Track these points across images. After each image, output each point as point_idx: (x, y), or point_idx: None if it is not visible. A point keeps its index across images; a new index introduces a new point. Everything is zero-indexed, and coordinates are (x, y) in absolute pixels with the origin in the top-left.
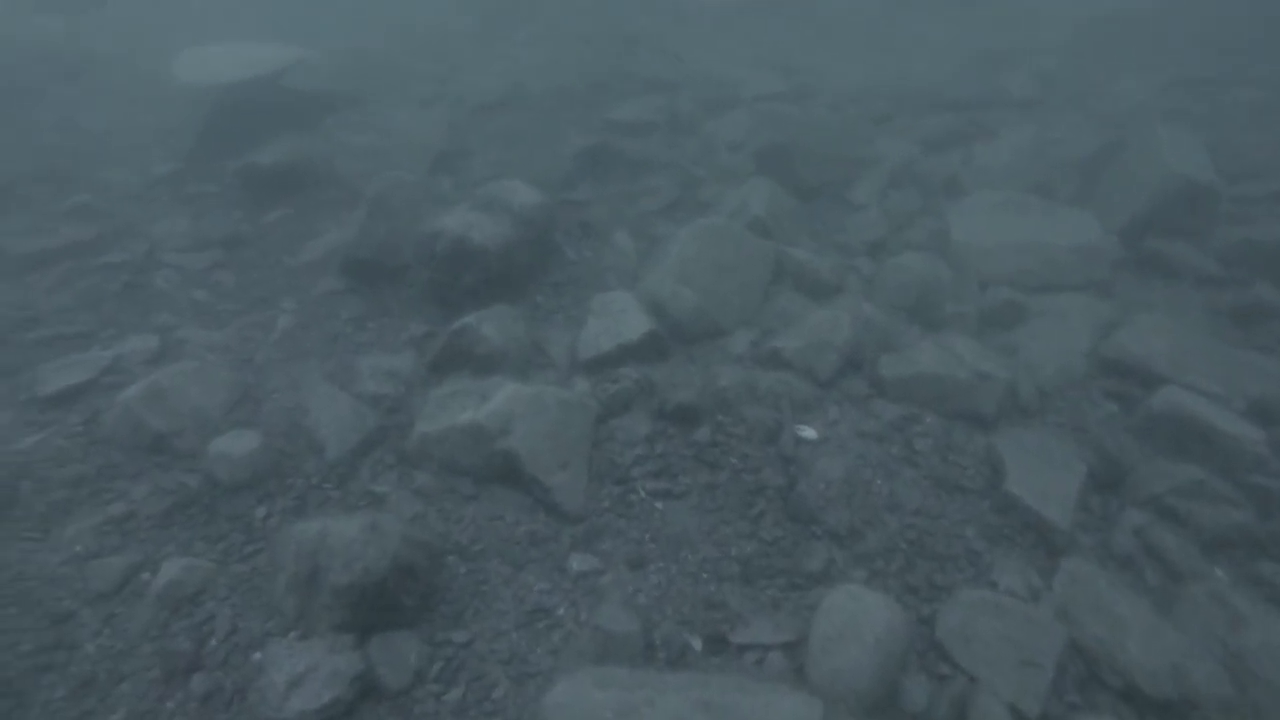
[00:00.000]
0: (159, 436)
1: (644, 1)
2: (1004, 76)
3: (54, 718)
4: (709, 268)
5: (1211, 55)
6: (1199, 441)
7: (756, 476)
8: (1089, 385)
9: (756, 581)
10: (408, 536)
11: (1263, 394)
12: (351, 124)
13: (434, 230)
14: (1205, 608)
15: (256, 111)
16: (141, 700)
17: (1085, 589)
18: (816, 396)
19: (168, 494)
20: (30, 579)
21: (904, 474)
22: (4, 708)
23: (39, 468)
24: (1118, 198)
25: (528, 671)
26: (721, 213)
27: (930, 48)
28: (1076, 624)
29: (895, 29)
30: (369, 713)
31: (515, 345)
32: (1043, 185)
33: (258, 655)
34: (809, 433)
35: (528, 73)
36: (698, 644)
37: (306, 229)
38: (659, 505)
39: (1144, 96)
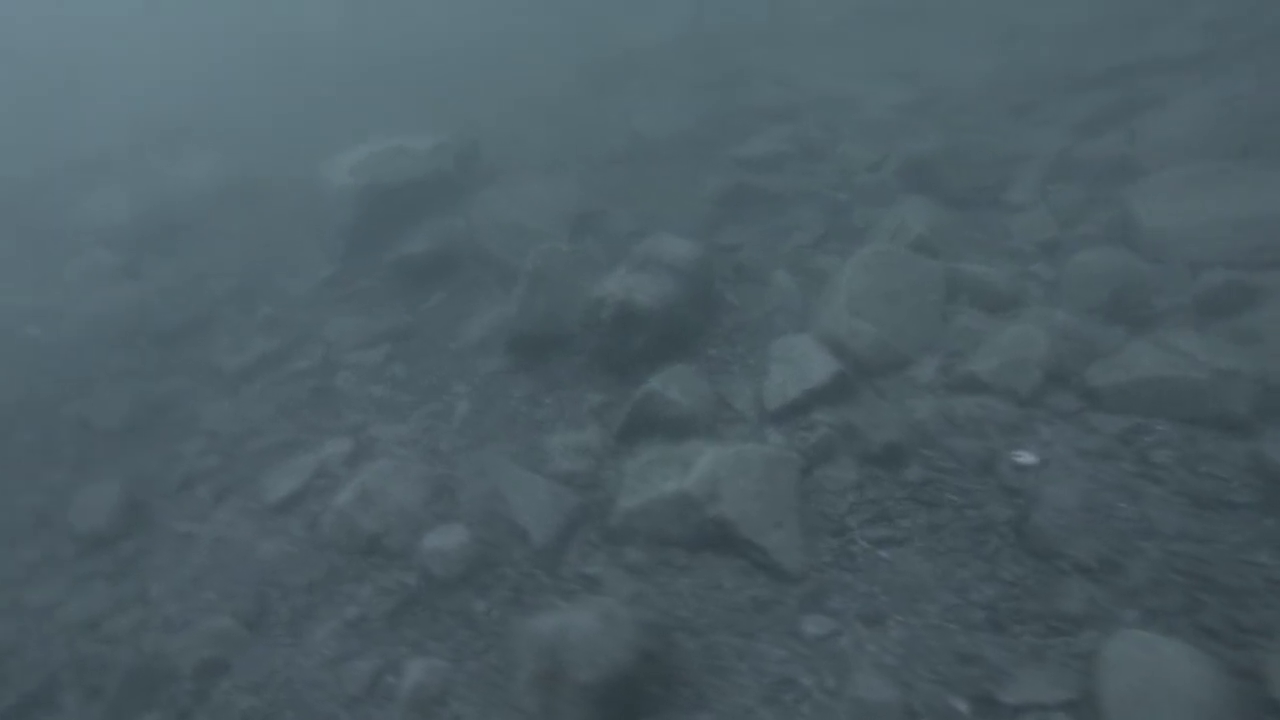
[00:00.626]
0: (372, 538)
1: (744, 32)
2: (1154, 36)
3: None
4: (881, 297)
5: None
6: None
7: (981, 512)
8: None
9: (1009, 629)
10: (642, 622)
11: None
12: (488, 200)
13: (598, 297)
14: None
15: (398, 203)
16: None
17: None
18: (1022, 417)
19: (390, 594)
20: (296, 684)
21: (1150, 493)
22: None
23: (279, 575)
24: None
25: None
26: (879, 237)
27: (1051, 28)
28: None
29: (1006, 12)
30: None
31: (701, 403)
32: (1241, 149)
33: None
34: (1027, 458)
35: (645, 123)
36: (964, 707)
37: (464, 310)
38: (883, 554)
39: None
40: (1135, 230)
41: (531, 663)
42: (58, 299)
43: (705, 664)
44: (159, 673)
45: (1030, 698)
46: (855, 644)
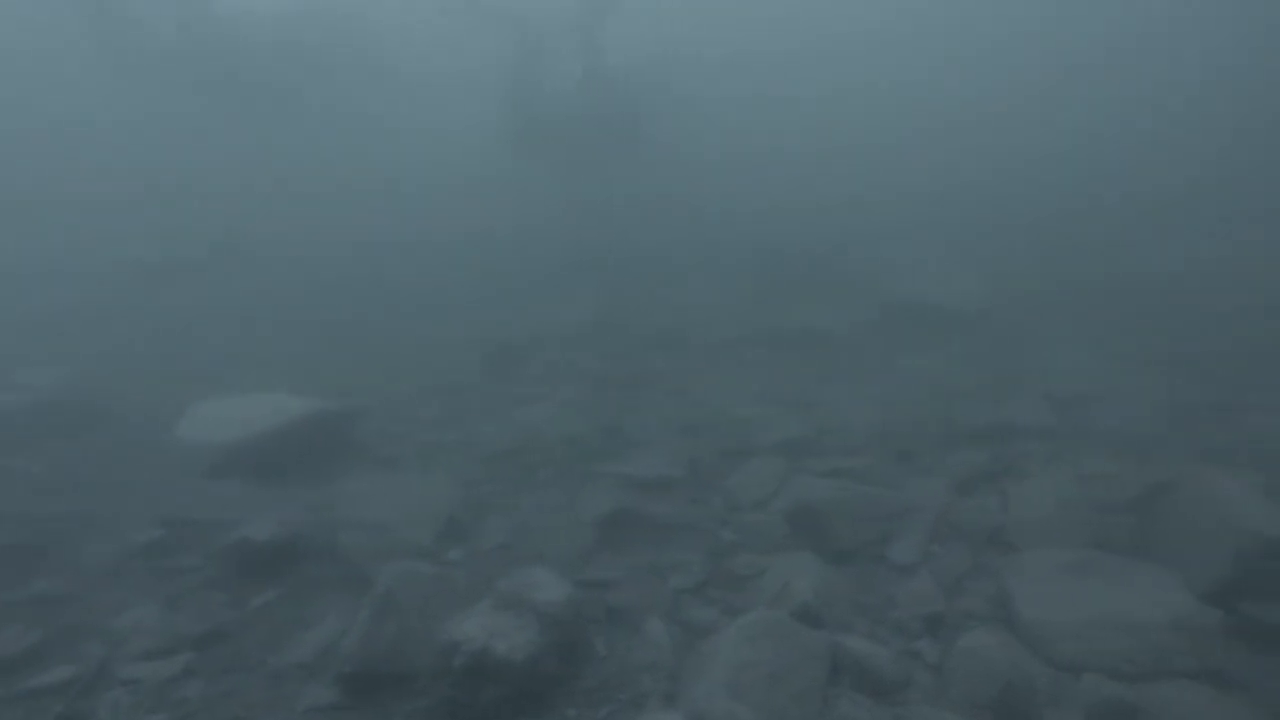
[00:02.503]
0: None
1: (650, 334)
2: (1012, 404)
3: None
4: (763, 676)
5: (1214, 379)
6: None
7: None
8: None
9: None
10: None
11: None
12: (355, 486)
13: (452, 640)
14: None
15: (253, 468)
16: None
17: None
18: None
19: None
20: None
21: None
22: None
23: None
24: (1187, 554)
25: None
26: (762, 594)
27: (929, 377)
28: None
29: (890, 357)
30: None
31: None
32: (1099, 538)
33: None
34: None
35: (536, 419)
36: None
37: (298, 617)
38: None
39: (1164, 420)
40: (1015, 617)
41: None
42: None
43: None
44: None
45: None
46: None
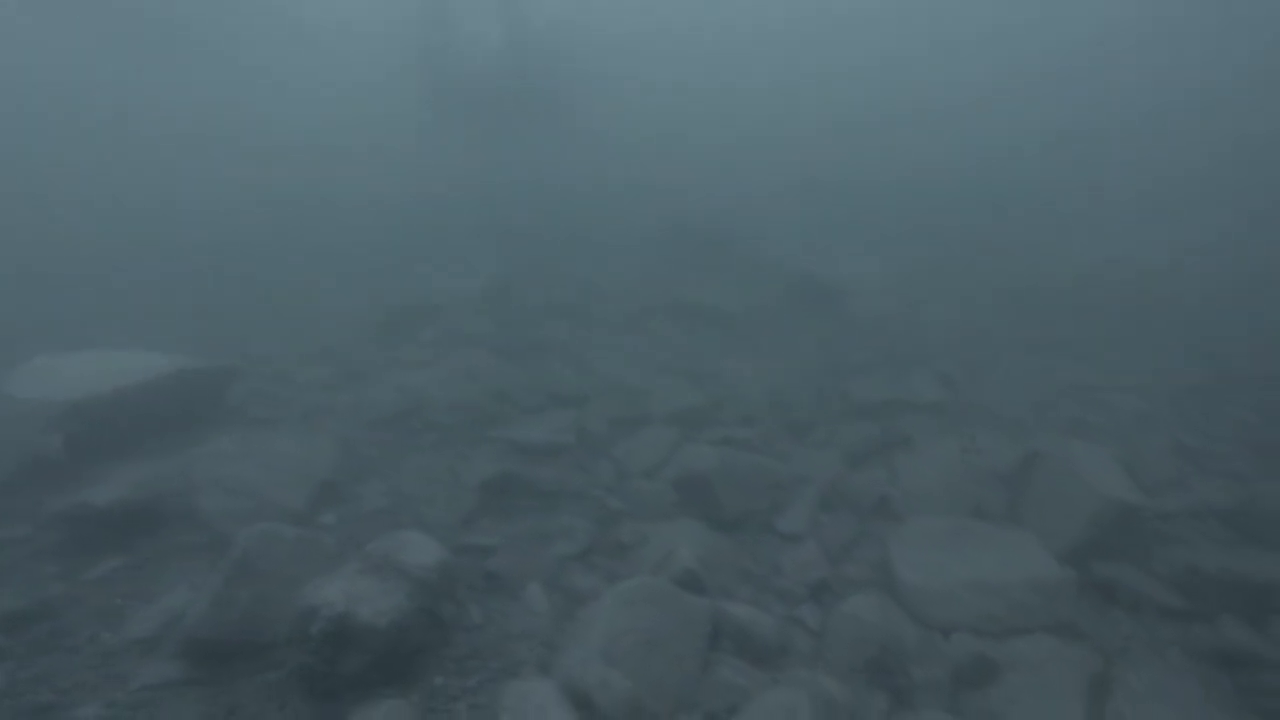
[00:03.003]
0: None
1: (551, 303)
2: (910, 377)
3: None
4: (641, 642)
5: (1084, 361)
6: None
7: None
8: None
9: None
10: None
11: None
12: (223, 447)
13: (311, 605)
14: None
15: (103, 434)
16: None
17: None
18: None
19: None
20: None
21: None
22: None
23: None
24: (1051, 519)
25: None
26: (645, 561)
27: (827, 354)
28: None
29: (791, 334)
30: None
31: None
32: (976, 506)
33: None
34: None
35: (428, 382)
36: None
37: (143, 588)
38: None
39: (1039, 398)
40: (895, 581)
41: None
42: None
43: None
44: None
45: None
46: None
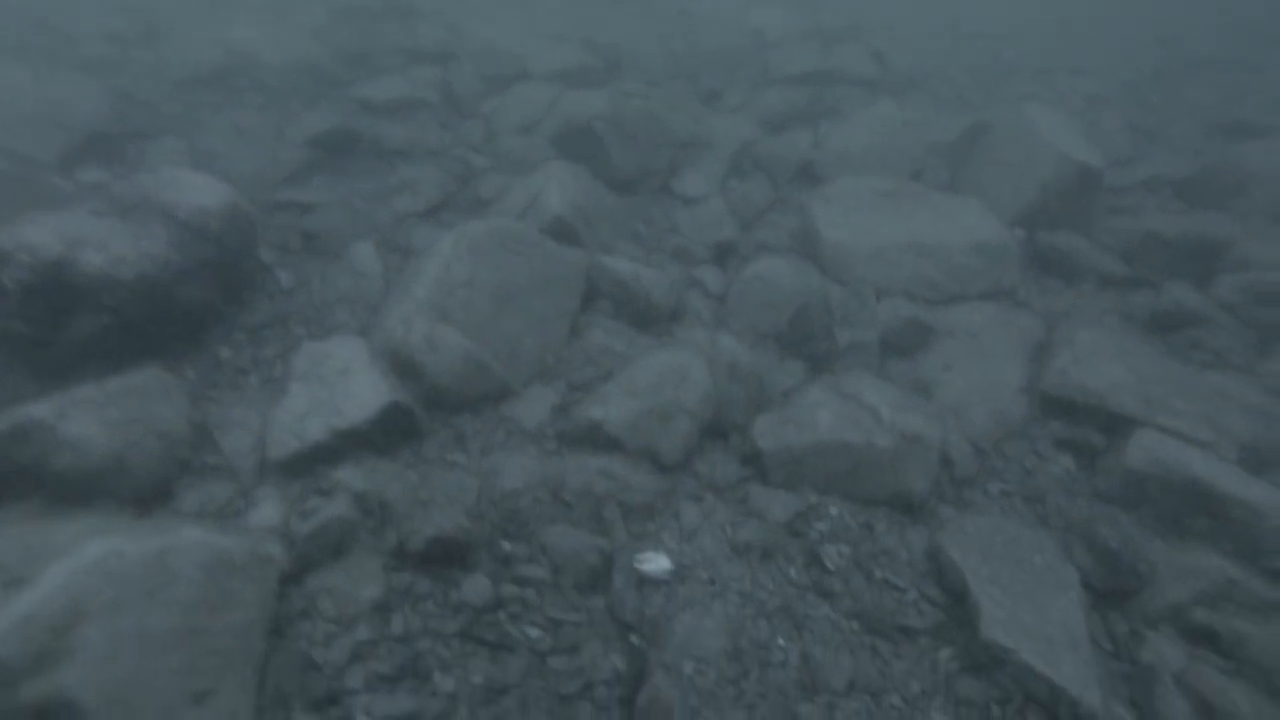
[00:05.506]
0: None
1: None
2: (842, 52)
3: None
4: (488, 294)
5: (1035, 45)
6: (1200, 511)
7: (573, 661)
8: (1032, 432)
9: None
10: None
11: (1253, 436)
12: None
13: (7, 248)
14: None
15: None
16: None
17: None
18: (663, 492)
19: None
20: None
21: (817, 617)
22: None
23: None
24: (999, 186)
25: None
26: (507, 212)
27: (757, 26)
28: None
29: (712, 5)
30: None
31: (146, 447)
32: (916, 174)
33: None
34: (657, 564)
35: (257, 43)
36: None
37: None
38: None
39: (984, 79)
40: (816, 242)
41: None
42: None
43: None
44: None
45: None
46: None
